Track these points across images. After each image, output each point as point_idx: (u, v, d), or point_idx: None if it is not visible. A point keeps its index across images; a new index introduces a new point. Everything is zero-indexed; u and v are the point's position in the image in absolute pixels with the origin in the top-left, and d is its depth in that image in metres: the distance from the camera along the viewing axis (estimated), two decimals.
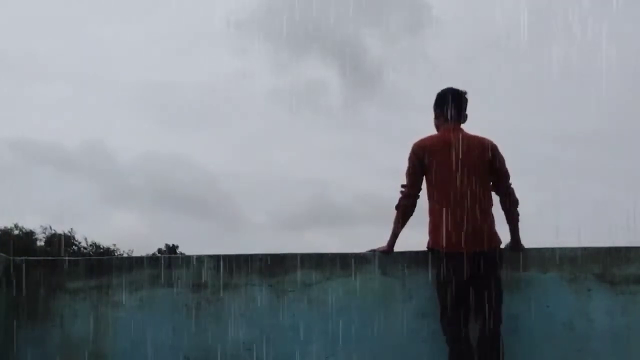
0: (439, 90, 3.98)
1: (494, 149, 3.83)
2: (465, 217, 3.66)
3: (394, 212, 3.89)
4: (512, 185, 3.87)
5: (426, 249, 3.84)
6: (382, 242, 3.98)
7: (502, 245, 3.82)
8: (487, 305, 3.63)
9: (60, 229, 35.88)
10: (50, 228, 35.56)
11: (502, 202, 3.87)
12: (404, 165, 3.89)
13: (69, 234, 35.88)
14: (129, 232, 50.26)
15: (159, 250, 38.88)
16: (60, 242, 33.78)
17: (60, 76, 66.42)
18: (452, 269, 3.66)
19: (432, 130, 3.99)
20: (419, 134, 3.93)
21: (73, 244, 35.60)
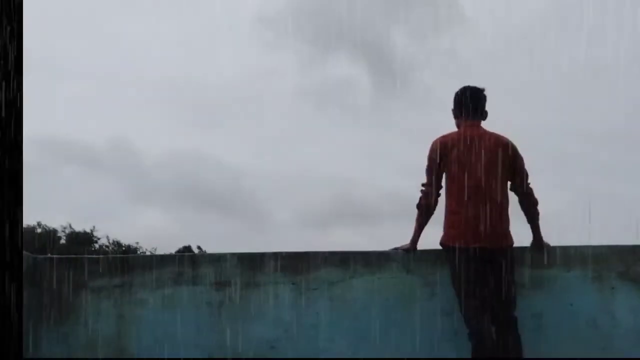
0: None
1: (512, 147, 3.81)
2: (481, 214, 3.65)
3: (415, 211, 3.89)
4: (530, 185, 3.84)
5: (439, 244, 3.82)
6: (406, 240, 3.99)
7: (528, 244, 3.82)
8: (500, 303, 3.62)
9: (84, 227, 35.65)
10: (70, 226, 35.47)
11: (520, 203, 3.85)
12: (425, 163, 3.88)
13: (90, 232, 35.69)
14: (154, 231, 50.00)
15: (184, 248, 38.55)
16: (81, 240, 33.58)
17: (85, 75, 66.26)
18: (466, 264, 3.64)
19: (455, 128, 3.98)
20: (443, 133, 3.93)
21: (94, 242, 35.38)
